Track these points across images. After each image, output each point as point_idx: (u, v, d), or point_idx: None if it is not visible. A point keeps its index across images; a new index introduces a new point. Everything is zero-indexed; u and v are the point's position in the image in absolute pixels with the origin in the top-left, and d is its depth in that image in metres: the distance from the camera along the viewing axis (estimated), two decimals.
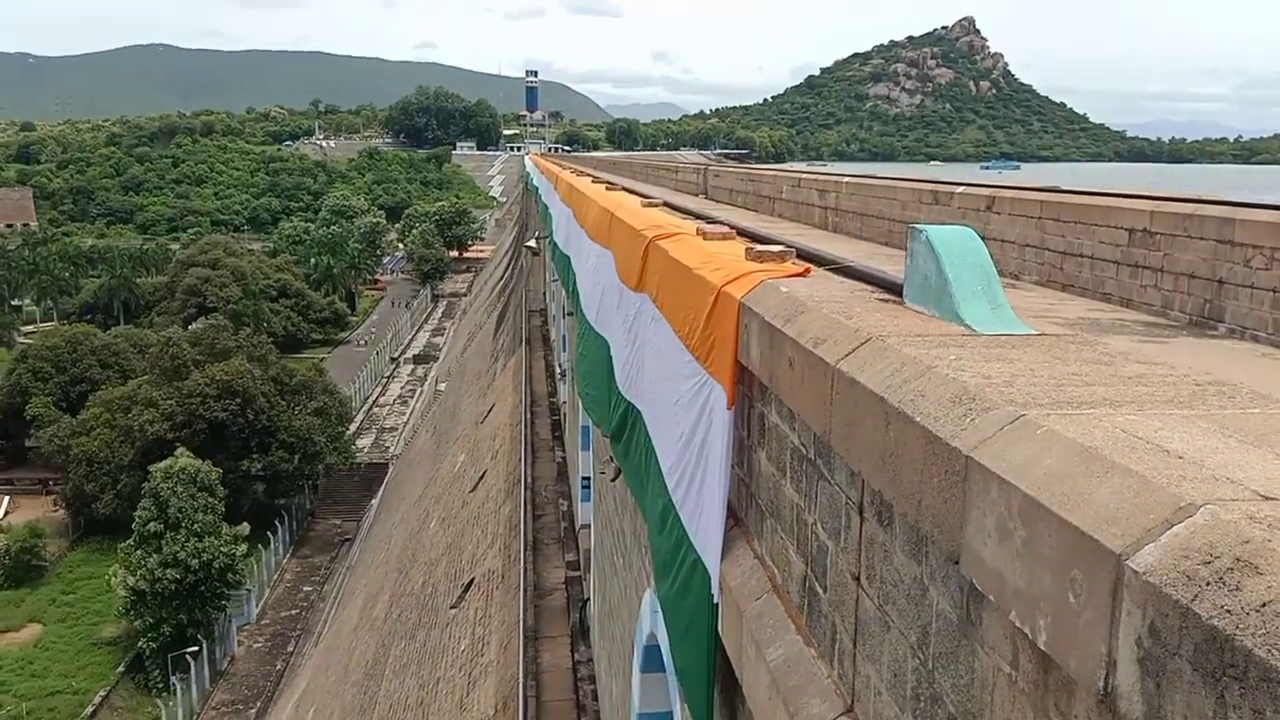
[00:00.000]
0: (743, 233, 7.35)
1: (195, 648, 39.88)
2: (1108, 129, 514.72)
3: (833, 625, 3.75)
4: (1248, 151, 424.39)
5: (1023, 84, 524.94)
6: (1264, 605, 1.55)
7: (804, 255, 5.70)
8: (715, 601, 5.09)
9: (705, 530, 5.30)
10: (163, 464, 42.64)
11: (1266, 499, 1.84)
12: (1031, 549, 2.13)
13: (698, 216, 9.78)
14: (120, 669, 40.92)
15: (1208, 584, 1.65)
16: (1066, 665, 2.01)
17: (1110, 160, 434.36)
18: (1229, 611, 1.58)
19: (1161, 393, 2.65)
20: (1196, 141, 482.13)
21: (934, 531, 2.64)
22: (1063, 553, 2.01)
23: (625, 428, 8.10)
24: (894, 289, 4.38)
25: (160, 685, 39.75)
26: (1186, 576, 1.68)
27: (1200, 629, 1.61)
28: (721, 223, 7.71)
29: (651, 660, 8.28)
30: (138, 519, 41.48)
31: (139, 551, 40.61)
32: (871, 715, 3.34)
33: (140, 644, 40.97)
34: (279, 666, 42.45)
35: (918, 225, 3.99)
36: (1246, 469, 2.00)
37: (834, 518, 3.70)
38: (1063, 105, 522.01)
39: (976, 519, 2.38)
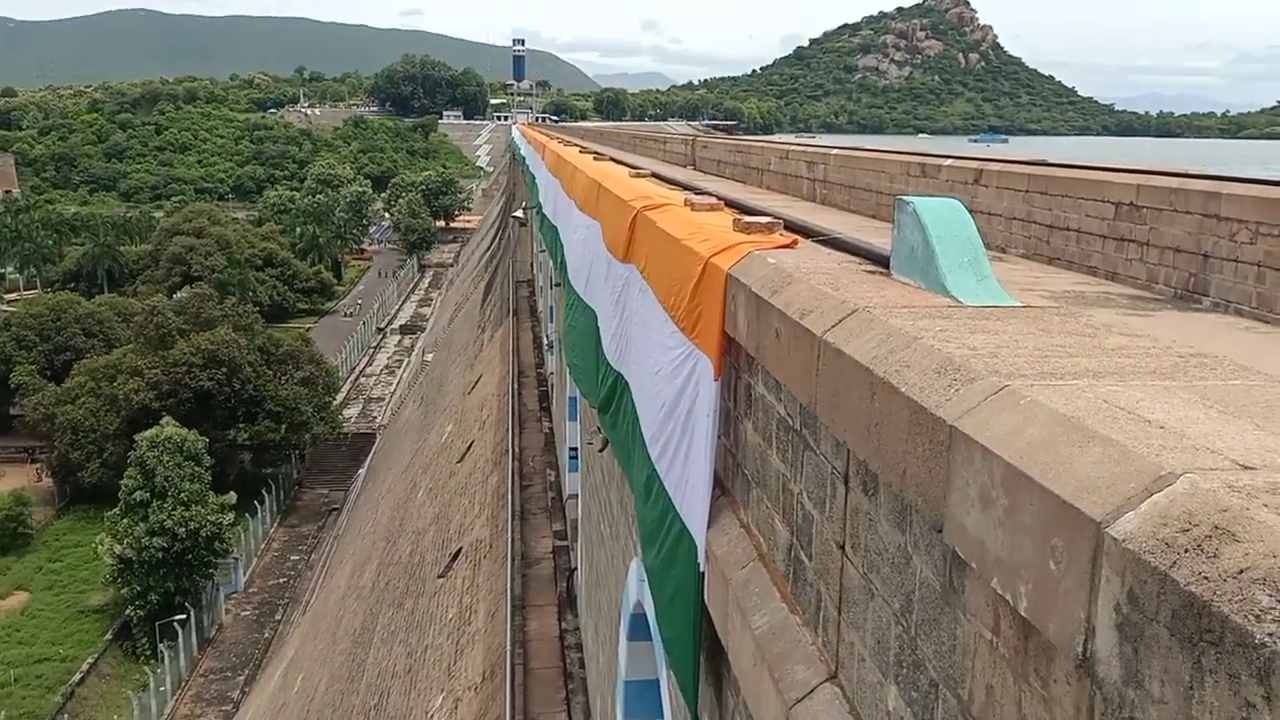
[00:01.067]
0: (730, 204, 7.33)
1: (183, 616, 39.98)
2: (1096, 102, 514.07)
3: (817, 593, 3.79)
4: (1236, 126, 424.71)
5: (1012, 56, 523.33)
6: (1241, 572, 1.57)
7: (792, 227, 5.70)
8: (701, 570, 5.13)
9: (691, 500, 5.33)
10: (149, 433, 42.54)
11: (1245, 468, 1.87)
12: (1013, 517, 2.15)
13: (685, 187, 9.75)
14: (107, 637, 41.02)
15: (1186, 551, 1.67)
16: (1046, 631, 2.04)
17: (1098, 134, 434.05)
18: (1206, 578, 1.60)
19: (1144, 364, 2.68)
20: (1185, 116, 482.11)
21: (918, 500, 2.66)
22: (1044, 521, 2.03)
23: (613, 398, 8.11)
24: (881, 261, 4.39)
25: (148, 653, 39.88)
26: (1165, 544, 1.71)
27: (1178, 595, 1.63)
28: (709, 194, 7.70)
29: (638, 628, 8.34)
30: (124, 487, 41.44)
31: (125, 520, 40.61)
32: (855, 681, 3.38)
33: (128, 612, 41.05)
34: (267, 635, 42.61)
35: (904, 197, 3.99)
36: (1226, 439, 2.02)
37: (819, 487, 3.72)
38: (1051, 78, 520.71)
39: (960, 488, 2.40)
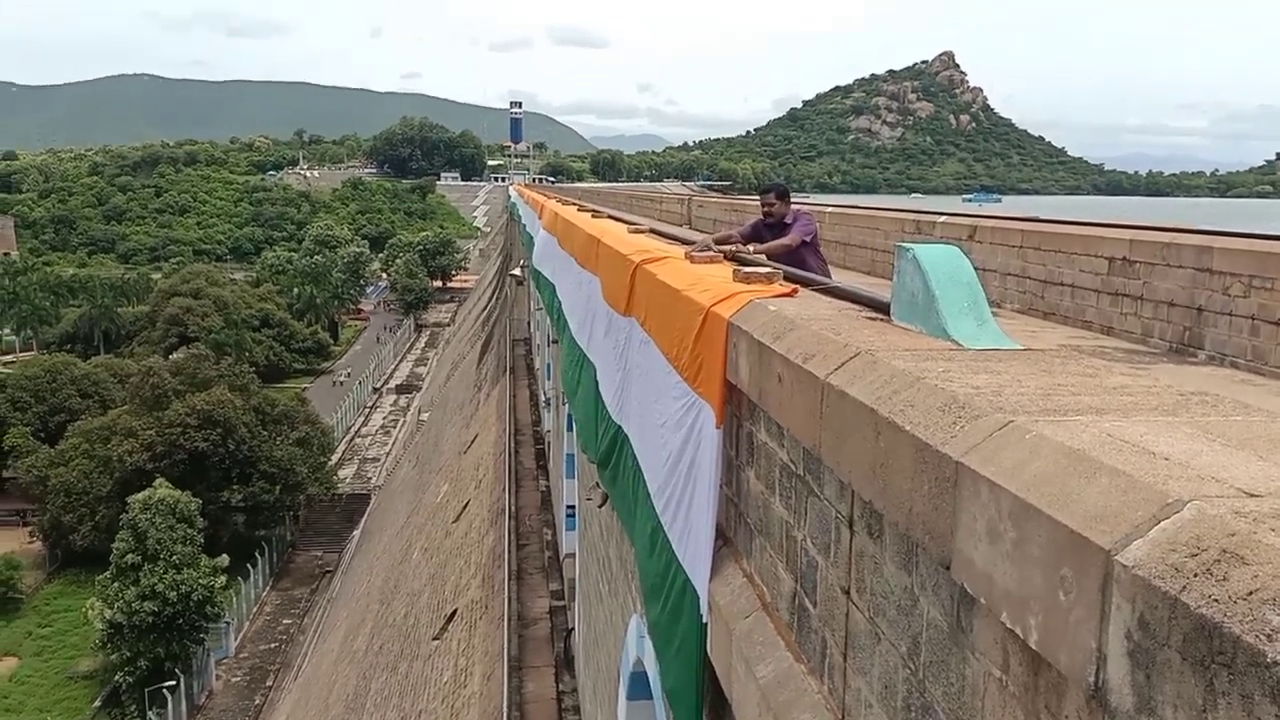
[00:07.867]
0: (729, 257, 7.42)
1: (172, 682, 39.33)
2: (1086, 162, 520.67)
3: (823, 640, 3.77)
4: (1224, 185, 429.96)
5: (1002, 118, 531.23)
6: (1250, 594, 1.59)
7: (790, 278, 5.76)
8: (704, 622, 5.10)
9: (694, 551, 5.31)
10: (141, 495, 42.25)
11: (1251, 495, 1.89)
12: (1022, 549, 2.16)
13: (684, 243, 9.84)
14: (96, 703, 40.35)
15: (1195, 575, 1.69)
16: (1057, 663, 2.04)
17: (1089, 193, 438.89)
18: (1216, 600, 1.62)
19: (1146, 401, 2.71)
20: (1174, 175, 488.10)
21: (925, 538, 2.67)
22: (1053, 551, 2.05)
23: (613, 452, 8.11)
24: (880, 308, 4.44)
25: None
26: (1174, 569, 1.72)
27: (1189, 618, 1.65)
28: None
29: (637, 687, 8.24)
30: (115, 551, 41.03)
31: (116, 584, 40.15)
32: None
33: (117, 678, 40.40)
34: (257, 701, 41.91)
35: (904, 244, 4.05)
36: (1231, 469, 2.05)
37: (823, 532, 3.73)
38: (1041, 139, 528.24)
39: (967, 523, 2.41)
